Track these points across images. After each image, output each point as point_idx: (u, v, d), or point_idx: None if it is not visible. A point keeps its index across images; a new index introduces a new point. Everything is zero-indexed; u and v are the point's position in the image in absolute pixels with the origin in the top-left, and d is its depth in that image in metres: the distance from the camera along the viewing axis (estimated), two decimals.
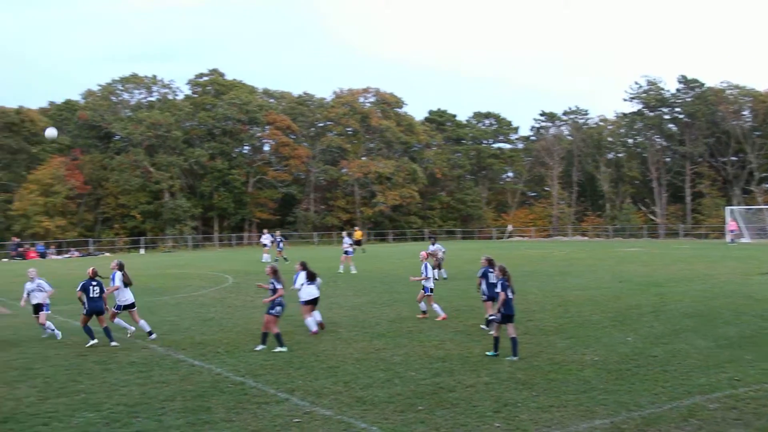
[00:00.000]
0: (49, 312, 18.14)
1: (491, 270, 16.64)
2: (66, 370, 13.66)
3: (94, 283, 16.56)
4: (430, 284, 19.54)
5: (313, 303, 17.69)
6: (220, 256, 54.70)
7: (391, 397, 11.36)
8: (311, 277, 17.74)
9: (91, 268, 17.12)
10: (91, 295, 16.34)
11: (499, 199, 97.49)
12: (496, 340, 14.15)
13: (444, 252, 30.58)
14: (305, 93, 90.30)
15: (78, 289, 16.57)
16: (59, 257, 63.05)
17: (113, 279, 17.30)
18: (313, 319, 17.44)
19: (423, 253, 20.93)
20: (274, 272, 15.60)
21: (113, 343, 16.02)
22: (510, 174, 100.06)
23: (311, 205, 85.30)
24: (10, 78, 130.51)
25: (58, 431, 9.91)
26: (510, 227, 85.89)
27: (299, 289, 17.64)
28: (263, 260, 42.85)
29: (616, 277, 29.90)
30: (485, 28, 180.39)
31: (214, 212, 80.00)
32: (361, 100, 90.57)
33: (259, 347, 15.10)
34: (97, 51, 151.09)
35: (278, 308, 15.37)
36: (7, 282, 34.36)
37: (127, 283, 17.41)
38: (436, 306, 19.34)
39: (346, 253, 36.18)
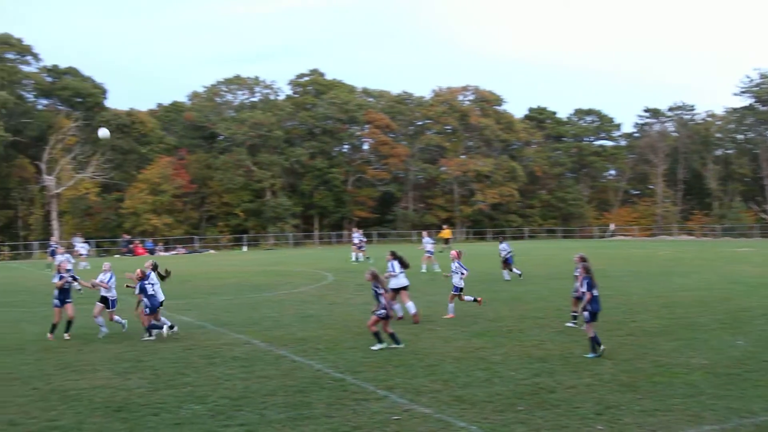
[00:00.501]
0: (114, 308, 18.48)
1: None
2: (173, 363, 14.09)
3: (148, 281, 17.41)
4: (458, 282, 19.38)
5: (401, 290, 18.66)
6: (320, 254, 55.46)
7: (490, 397, 11.24)
8: (404, 266, 18.78)
9: (139, 269, 17.83)
10: (149, 293, 17.18)
11: (601, 198, 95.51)
12: (592, 340, 13.91)
13: (510, 252, 29.90)
14: (404, 92, 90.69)
15: (137, 291, 17.46)
16: (166, 254, 65.10)
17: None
18: (400, 306, 18.68)
19: (453, 252, 20.62)
20: (375, 277, 15.25)
21: (148, 338, 16.95)
22: (612, 172, 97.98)
23: (410, 204, 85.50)
24: (122, 82, 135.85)
25: (166, 421, 10.22)
26: (612, 226, 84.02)
27: (396, 276, 18.52)
28: (353, 260, 43.06)
29: (725, 277, 28.83)
30: (586, 22, 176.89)
31: (314, 210, 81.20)
32: (460, 98, 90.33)
33: (377, 346, 14.87)
34: (202, 54, 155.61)
35: (383, 311, 15.03)
36: (118, 278, 35.64)
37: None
38: (451, 305, 19.42)
39: (428, 252, 36.14)
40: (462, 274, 19.48)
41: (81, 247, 45.09)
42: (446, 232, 58.95)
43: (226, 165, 75.88)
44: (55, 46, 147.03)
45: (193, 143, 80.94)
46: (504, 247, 29.85)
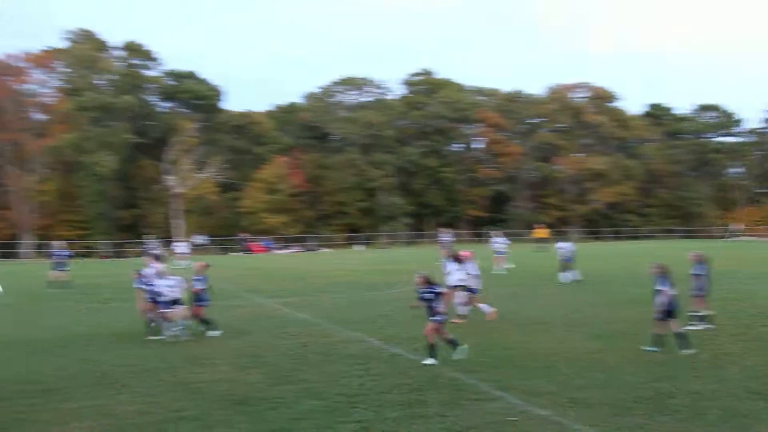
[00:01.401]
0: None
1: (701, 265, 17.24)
2: (290, 360, 14.42)
3: (199, 278, 18.07)
4: (471, 283, 19.17)
5: (458, 288, 19.02)
6: (433, 253, 55.44)
7: (608, 400, 11.04)
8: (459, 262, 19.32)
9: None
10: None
11: (725, 197, 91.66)
12: (657, 336, 14.16)
13: (570, 251, 28.88)
14: (516, 90, 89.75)
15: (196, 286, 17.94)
16: (283, 252, 66.58)
17: (202, 280, 18.17)
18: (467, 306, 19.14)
19: (466, 252, 20.38)
20: (427, 281, 14.20)
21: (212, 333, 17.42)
22: (736, 169, 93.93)
23: (523, 202, 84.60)
24: (238, 83, 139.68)
25: (284, 416, 10.47)
26: (733, 226, 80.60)
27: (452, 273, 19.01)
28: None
29: None
30: (705, 14, 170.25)
31: (426, 209, 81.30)
32: (574, 95, 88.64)
33: (430, 361, 13.71)
34: (319, 55, 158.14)
35: (443, 315, 14.17)
36: (236, 275, 36.78)
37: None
38: (459, 306, 19.04)
39: (497, 253, 35.47)
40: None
41: (182, 246, 46.50)
42: (541, 232, 57.84)
43: (339, 164, 76.99)
44: (175, 51, 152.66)
45: (308, 143, 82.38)
46: (565, 247, 28.96)
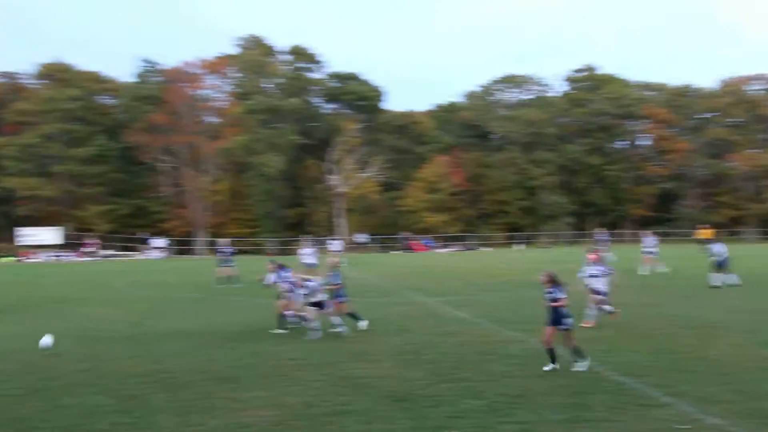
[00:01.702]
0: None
1: None
2: (451, 358, 14.45)
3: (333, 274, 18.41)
4: (598, 286, 18.33)
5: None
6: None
7: None
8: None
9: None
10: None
11: None
12: None
13: (722, 253, 27.01)
14: (685, 84, 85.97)
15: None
16: (443, 250, 66.89)
17: (336, 277, 18.49)
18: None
19: (591, 255, 19.26)
20: (552, 280, 13.32)
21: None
22: None
23: (693, 201, 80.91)
24: (400, 83, 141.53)
25: (445, 414, 10.53)
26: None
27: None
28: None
29: None
30: None
31: (589, 208, 79.43)
32: (749, 88, 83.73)
33: (549, 367, 13.11)
34: (480, 54, 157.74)
35: (569, 320, 13.15)
36: (397, 273, 37.25)
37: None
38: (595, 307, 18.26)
39: (646, 254, 34.07)
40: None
41: (335, 244, 47.40)
42: (705, 232, 55.19)
43: (499, 163, 76.62)
44: (338, 54, 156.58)
45: (468, 142, 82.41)
46: (716, 249, 27.37)
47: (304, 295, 17.66)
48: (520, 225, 76.37)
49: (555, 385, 12.08)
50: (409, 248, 66.61)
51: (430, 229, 72.05)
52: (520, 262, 43.58)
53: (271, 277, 19.45)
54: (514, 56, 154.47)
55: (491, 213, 78.60)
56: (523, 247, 69.97)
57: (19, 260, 61.51)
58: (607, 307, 18.34)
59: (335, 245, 47.23)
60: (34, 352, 15.85)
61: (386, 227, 73.25)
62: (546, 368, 13.01)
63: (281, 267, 19.86)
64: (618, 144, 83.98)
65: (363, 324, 18.15)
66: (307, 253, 33.44)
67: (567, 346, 13.15)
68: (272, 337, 17.47)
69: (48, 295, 28.70)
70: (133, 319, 20.81)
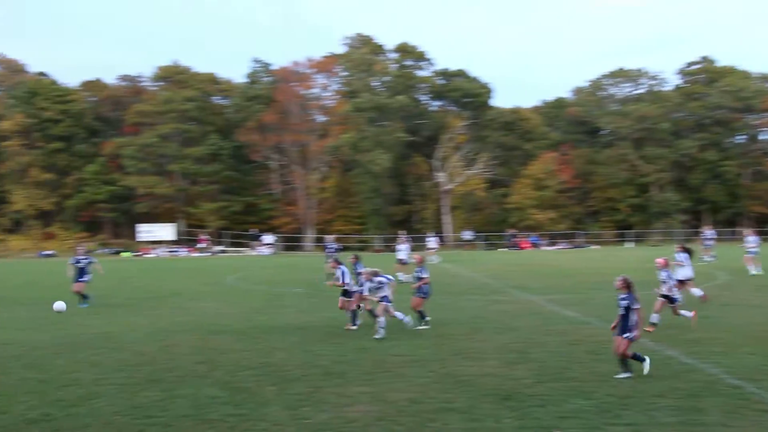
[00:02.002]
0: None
1: None
2: (558, 357, 14.24)
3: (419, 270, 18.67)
4: (672, 292, 17.44)
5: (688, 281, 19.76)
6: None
7: None
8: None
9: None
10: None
11: None
12: None
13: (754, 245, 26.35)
14: None
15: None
16: (550, 248, 66.00)
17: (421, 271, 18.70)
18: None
19: (659, 260, 18.00)
20: (627, 285, 12.46)
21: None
22: None
23: None
24: (508, 80, 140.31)
25: (552, 414, 10.39)
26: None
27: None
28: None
29: None
30: None
31: (704, 206, 76.74)
32: None
33: (623, 375, 12.37)
34: (587, 49, 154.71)
35: (634, 333, 12.25)
36: (503, 271, 36.98)
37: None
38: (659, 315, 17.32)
39: (749, 253, 32.72)
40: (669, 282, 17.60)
41: (432, 241, 47.10)
42: None
43: (609, 160, 75.04)
44: (446, 51, 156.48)
45: (577, 138, 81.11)
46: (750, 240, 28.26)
47: (370, 289, 17.85)
48: (631, 222, 74.62)
49: (666, 387, 11.74)
50: (515, 246, 66.00)
51: (536, 227, 71.21)
52: (631, 260, 42.46)
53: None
54: (625, 49, 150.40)
55: (600, 210, 77.14)
56: (633, 245, 68.33)
57: (137, 255, 64.11)
58: (653, 316, 17.39)
59: (431, 242, 47.11)
60: (151, 343, 16.50)
61: (492, 224, 72.82)
62: (619, 376, 12.30)
63: (357, 259, 20.47)
64: (737, 139, 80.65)
65: (420, 326, 18.16)
66: (401, 249, 33.61)
67: (618, 353, 12.37)
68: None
69: (163, 290, 29.79)
70: (244, 314, 21.38)
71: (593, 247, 67.51)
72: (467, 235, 69.37)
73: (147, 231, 68.20)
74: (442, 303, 23.31)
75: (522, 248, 65.36)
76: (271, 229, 69.72)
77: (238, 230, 70.55)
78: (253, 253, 64.76)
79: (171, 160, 71.51)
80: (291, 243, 69.80)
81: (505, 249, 65.45)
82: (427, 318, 18.51)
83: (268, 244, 64.83)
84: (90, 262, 25.26)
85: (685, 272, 20.51)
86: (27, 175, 70.24)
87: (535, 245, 66.68)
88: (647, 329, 16.23)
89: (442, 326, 18.37)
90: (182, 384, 12.51)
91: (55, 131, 70.56)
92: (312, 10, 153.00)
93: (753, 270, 32.07)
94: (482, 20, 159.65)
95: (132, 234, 70.99)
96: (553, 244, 68.79)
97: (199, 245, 66.45)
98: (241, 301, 23.74)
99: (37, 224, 70.58)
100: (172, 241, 67.72)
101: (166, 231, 68.29)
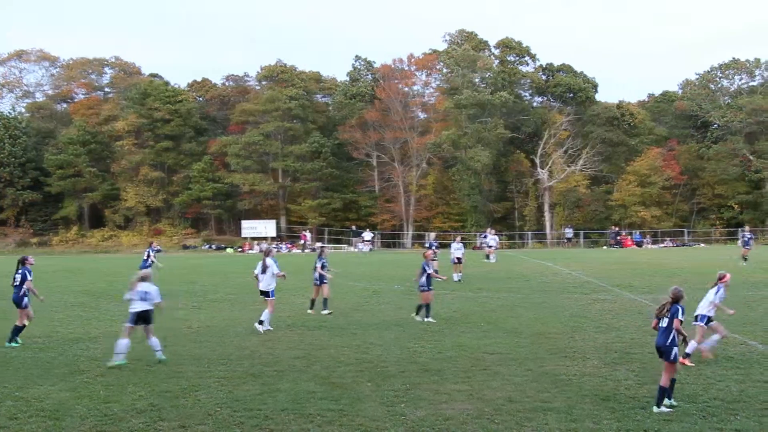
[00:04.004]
0: None
1: None
2: (659, 359, 13.88)
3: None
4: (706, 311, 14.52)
5: None
6: None
7: None
8: None
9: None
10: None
11: None
12: None
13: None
14: None
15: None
16: (655, 246, 64.33)
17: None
18: None
19: (724, 274, 15.44)
20: (677, 299, 11.14)
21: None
22: None
23: None
24: (612, 74, 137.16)
25: (654, 416, 10.15)
26: None
27: None
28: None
29: None
30: None
31: None
32: None
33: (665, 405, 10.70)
34: (696, 40, 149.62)
35: (674, 350, 10.83)
36: (605, 269, 36.27)
37: None
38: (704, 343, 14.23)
39: None
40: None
41: (491, 239, 45.84)
42: None
43: (719, 155, 72.34)
44: (550, 45, 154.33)
45: (684, 133, 78.68)
46: None
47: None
48: (742, 220, 71.84)
49: None
50: (618, 243, 64.55)
51: (640, 224, 69.43)
52: (740, 259, 40.88)
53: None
54: (739, 38, 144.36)
55: (708, 208, 74.56)
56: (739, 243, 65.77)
57: (239, 251, 65.69)
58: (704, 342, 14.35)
59: (490, 240, 45.63)
60: (251, 338, 16.89)
61: (595, 222, 71.35)
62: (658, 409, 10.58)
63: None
64: None
65: (421, 318, 19.17)
66: (455, 248, 32.85)
67: (662, 381, 10.76)
68: (474, 330, 17.56)
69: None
70: (342, 310, 21.64)
71: (700, 245, 65.41)
72: (568, 232, 68.26)
73: (250, 227, 69.70)
74: (541, 301, 23.08)
75: (625, 246, 63.88)
76: (371, 226, 70.19)
77: (338, 227, 71.36)
78: (353, 249, 65.38)
79: (273, 158, 72.88)
80: (390, 240, 70.14)
81: (608, 247, 64.12)
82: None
83: (367, 241, 65.29)
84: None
85: None
86: (138, 173, 72.92)
87: (638, 243, 65.04)
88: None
89: (541, 324, 18.20)
90: (281, 378, 12.77)
91: (165, 130, 72.90)
92: (413, 6, 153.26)
93: None
94: (586, 13, 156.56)
95: (235, 230, 72.87)
96: (657, 242, 67.03)
97: (300, 242, 67.54)
98: (339, 297, 24.01)
99: (146, 220, 73.18)
100: (274, 237, 69.05)
101: (268, 227, 69.57)
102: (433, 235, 36.23)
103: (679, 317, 10.85)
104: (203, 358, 14.55)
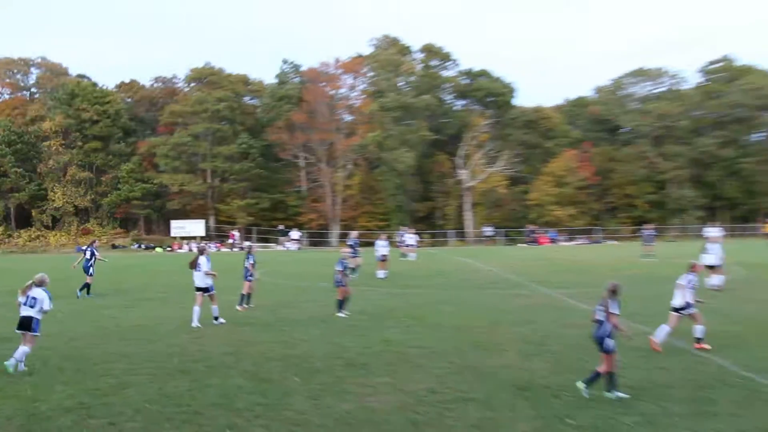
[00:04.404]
0: None
1: None
2: (575, 349, 14.18)
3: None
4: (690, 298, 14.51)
5: None
6: (727, 247, 51.65)
7: None
8: None
9: None
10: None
11: None
12: None
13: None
14: None
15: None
16: (568, 244, 65.78)
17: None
18: None
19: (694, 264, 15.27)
20: (613, 292, 11.29)
21: None
22: None
23: None
24: (530, 79, 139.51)
25: (567, 404, 10.42)
26: None
27: None
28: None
29: None
30: None
31: (720, 202, 75.99)
32: None
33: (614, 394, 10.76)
34: (611, 48, 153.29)
35: (610, 342, 10.88)
36: (522, 266, 36.82)
37: None
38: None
39: None
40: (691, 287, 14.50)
41: (408, 238, 46.17)
42: None
43: (628, 157, 74.57)
44: (470, 51, 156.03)
45: (597, 136, 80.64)
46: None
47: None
48: (648, 219, 73.87)
49: (679, 379, 11.76)
50: (534, 241, 65.80)
51: (556, 223, 70.91)
52: (646, 256, 42.16)
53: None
54: (647, 49, 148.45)
55: (618, 207, 76.60)
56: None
57: (169, 251, 64.67)
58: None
59: (409, 239, 45.92)
60: (181, 335, 16.69)
61: (513, 220, 72.58)
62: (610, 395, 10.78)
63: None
64: (755, 137, 79.47)
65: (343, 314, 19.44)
66: (380, 246, 32.89)
67: (602, 369, 10.92)
68: (399, 325, 17.70)
69: (193, 284, 29.98)
70: (270, 307, 21.53)
71: (611, 242, 67.17)
72: (488, 231, 69.24)
73: (179, 227, 68.74)
74: (463, 297, 23.36)
75: (541, 244, 65.16)
76: (298, 226, 69.95)
77: (266, 226, 70.87)
78: (280, 248, 64.99)
79: (202, 159, 72.04)
80: (317, 239, 70.00)
81: (525, 244, 65.29)
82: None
83: (294, 240, 65.01)
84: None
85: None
86: (65, 174, 71.21)
87: (553, 241, 66.43)
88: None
89: (462, 319, 18.42)
90: (211, 374, 12.66)
91: (93, 131, 71.36)
92: (340, 11, 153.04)
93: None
94: (506, 21, 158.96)
95: (165, 230, 71.76)
96: (571, 239, 68.55)
97: (228, 241, 66.82)
98: (267, 295, 23.88)
99: (74, 220, 71.43)
100: (203, 237, 68.19)
101: (197, 227, 68.75)
102: (354, 234, 36.08)
103: (614, 311, 10.98)
104: (133, 356, 14.28)
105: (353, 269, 32.27)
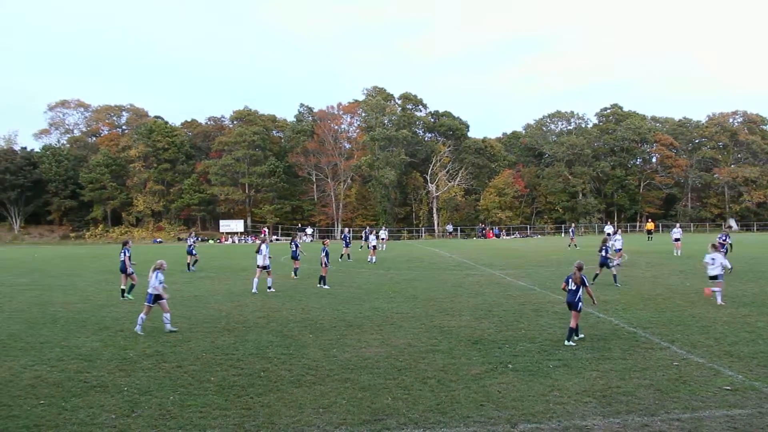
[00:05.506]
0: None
1: None
2: (513, 314, 14.22)
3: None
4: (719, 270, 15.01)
5: None
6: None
7: (755, 354, 9.99)
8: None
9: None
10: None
11: None
12: None
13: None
14: (684, 117, 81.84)
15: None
16: (508, 237, 65.82)
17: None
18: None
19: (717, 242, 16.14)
20: (579, 269, 11.22)
21: None
22: None
23: (689, 203, 76.92)
24: (480, 117, 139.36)
25: (508, 353, 10.43)
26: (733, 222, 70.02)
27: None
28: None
29: None
30: None
31: (614, 207, 76.61)
32: (731, 120, 79.10)
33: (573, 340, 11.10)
34: (537, 96, 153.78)
35: (580, 304, 11.01)
36: (474, 254, 36.72)
37: None
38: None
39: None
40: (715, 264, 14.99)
41: (382, 233, 43.72)
42: (650, 225, 53.26)
43: (549, 175, 74.61)
44: (437, 97, 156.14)
45: (527, 160, 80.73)
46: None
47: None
48: (564, 219, 74.25)
49: (586, 334, 11.77)
50: (483, 236, 65.76)
51: (498, 222, 70.92)
52: (564, 246, 42.29)
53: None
54: (559, 97, 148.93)
55: (543, 210, 76.69)
56: (563, 235, 67.95)
57: (218, 242, 64.25)
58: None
59: (382, 234, 44.24)
60: (226, 303, 16.56)
61: (467, 221, 72.52)
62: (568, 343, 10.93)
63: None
64: (635, 161, 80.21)
65: (325, 286, 19.71)
66: (371, 238, 32.86)
67: (571, 324, 11.11)
68: (384, 297, 17.63)
69: (235, 266, 29.86)
70: (291, 283, 21.43)
71: (537, 236, 67.28)
72: (449, 228, 69.14)
73: (225, 225, 68.44)
74: (431, 276, 23.31)
75: (488, 237, 65.14)
76: (311, 224, 69.75)
77: (288, 225, 70.54)
78: (299, 240, 64.48)
79: (242, 176, 71.50)
80: (325, 234, 69.62)
81: (476, 238, 65.27)
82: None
83: (308, 235, 64.70)
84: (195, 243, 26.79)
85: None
86: (145, 187, 70.83)
87: (497, 235, 66.42)
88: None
89: (431, 292, 18.37)
90: (248, 332, 12.58)
91: (164, 156, 70.92)
92: (341, 70, 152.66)
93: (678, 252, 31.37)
94: (464, 75, 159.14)
95: (215, 227, 71.44)
96: (509, 234, 68.57)
97: (260, 235, 66.43)
98: (289, 273, 23.78)
99: (151, 220, 71.05)
100: (242, 232, 67.92)
101: (238, 225, 68.47)
102: (347, 229, 36.04)
103: (587, 283, 11.18)
104: (192, 318, 14.20)
105: (348, 256, 32.32)
